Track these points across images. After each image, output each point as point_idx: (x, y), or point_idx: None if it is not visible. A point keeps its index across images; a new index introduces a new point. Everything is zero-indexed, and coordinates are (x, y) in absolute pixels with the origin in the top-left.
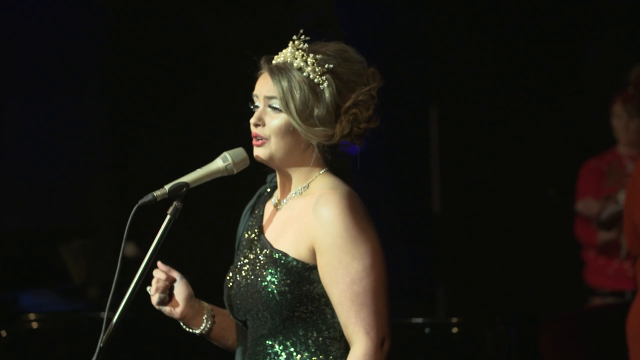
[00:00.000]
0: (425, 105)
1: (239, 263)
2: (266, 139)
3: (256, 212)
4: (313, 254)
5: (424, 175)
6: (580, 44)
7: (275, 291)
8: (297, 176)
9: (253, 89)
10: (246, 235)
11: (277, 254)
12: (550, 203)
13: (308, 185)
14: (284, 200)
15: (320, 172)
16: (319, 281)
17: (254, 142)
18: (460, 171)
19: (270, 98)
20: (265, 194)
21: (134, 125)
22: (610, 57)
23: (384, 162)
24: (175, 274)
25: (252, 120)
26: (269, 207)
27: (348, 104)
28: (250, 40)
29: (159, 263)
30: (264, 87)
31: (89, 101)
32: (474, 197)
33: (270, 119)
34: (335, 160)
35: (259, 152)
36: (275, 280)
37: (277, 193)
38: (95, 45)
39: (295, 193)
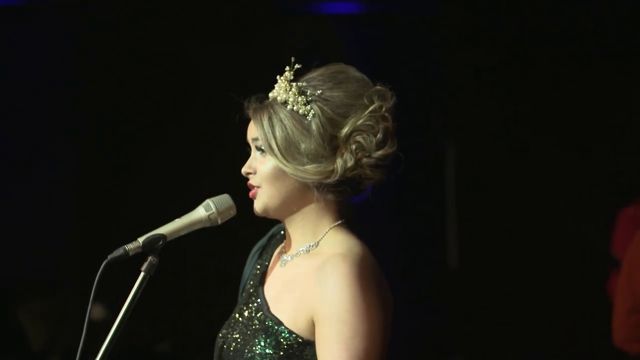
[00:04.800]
0: (441, 145)
1: (233, 320)
2: (259, 187)
3: (264, 256)
4: (312, 327)
5: (439, 225)
6: (623, 81)
7: None
8: (304, 230)
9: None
10: (249, 284)
11: (269, 321)
12: (582, 239)
13: (317, 243)
14: (289, 257)
15: (332, 227)
16: None
17: (250, 194)
18: (481, 220)
19: (255, 140)
20: (279, 236)
21: (104, 169)
22: None
23: (392, 209)
24: None
25: (243, 170)
26: (276, 254)
27: (345, 131)
28: (245, 65)
29: None
30: (251, 129)
31: (52, 143)
32: (496, 250)
33: (259, 165)
34: (347, 209)
35: (254, 205)
36: (263, 353)
37: (286, 241)
38: (61, 88)
39: (303, 250)
